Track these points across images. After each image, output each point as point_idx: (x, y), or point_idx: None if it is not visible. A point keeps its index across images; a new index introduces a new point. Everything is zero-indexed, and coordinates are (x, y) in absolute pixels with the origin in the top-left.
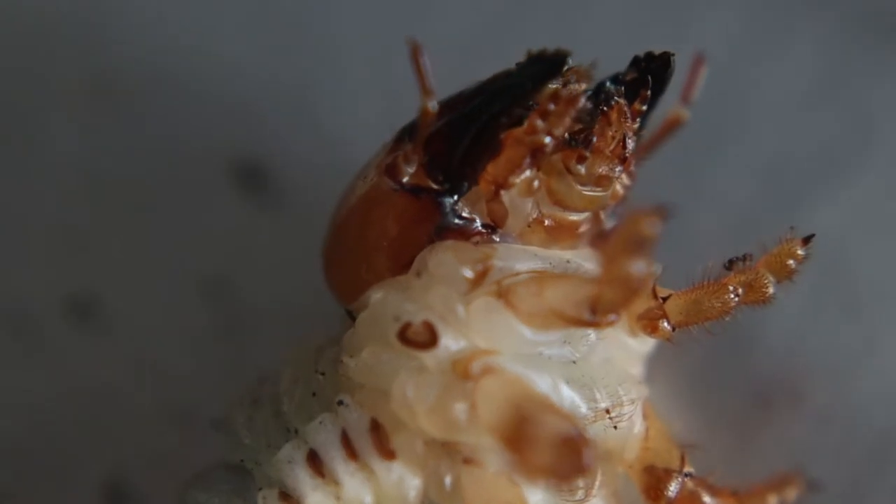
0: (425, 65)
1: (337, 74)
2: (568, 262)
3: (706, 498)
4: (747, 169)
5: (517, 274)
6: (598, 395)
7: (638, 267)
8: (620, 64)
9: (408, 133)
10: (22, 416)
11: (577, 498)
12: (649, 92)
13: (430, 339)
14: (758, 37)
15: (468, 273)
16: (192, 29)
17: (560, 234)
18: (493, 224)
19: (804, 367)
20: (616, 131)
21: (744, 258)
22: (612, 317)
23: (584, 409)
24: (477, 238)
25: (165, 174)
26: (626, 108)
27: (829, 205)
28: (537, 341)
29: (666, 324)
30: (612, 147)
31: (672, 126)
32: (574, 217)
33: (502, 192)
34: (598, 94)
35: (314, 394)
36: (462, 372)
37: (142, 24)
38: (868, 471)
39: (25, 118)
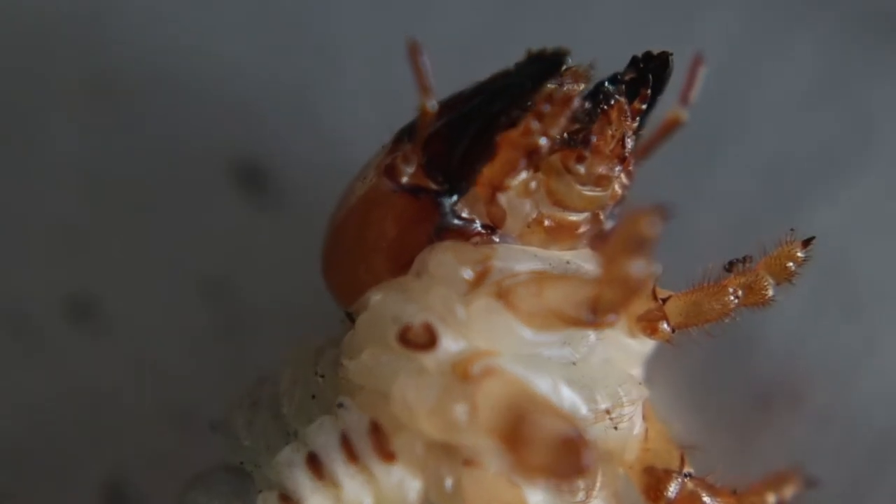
0: (424, 64)
1: (337, 74)
2: (568, 262)
3: (706, 498)
4: (747, 169)
5: (517, 274)
6: (598, 396)
7: (638, 267)
8: (620, 64)
9: (407, 134)
10: (22, 416)
11: (578, 499)
12: (649, 91)
13: (429, 340)
14: (758, 37)
15: (468, 274)
16: (192, 29)
17: (560, 234)
18: (492, 224)
19: (804, 368)
20: (616, 130)
21: (743, 260)
22: (611, 317)
23: (584, 410)
24: (476, 238)
25: (165, 174)
26: (626, 107)
27: (829, 205)
28: (537, 342)
29: (665, 325)
30: (611, 146)
31: (671, 126)
32: (573, 217)
33: (499, 195)
34: (597, 94)
35: (314, 396)
36: (462, 373)
37: (142, 24)
38: (868, 471)
39: (25, 118)
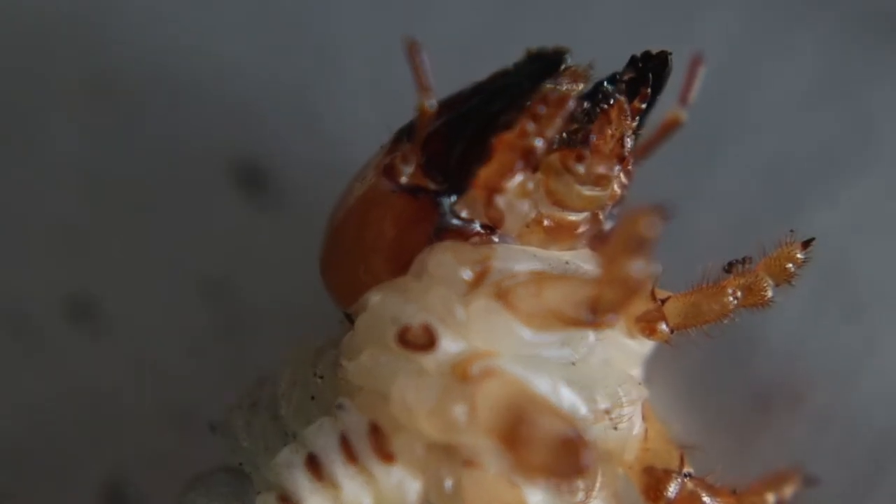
0: (423, 63)
1: (336, 75)
2: (567, 263)
3: (705, 498)
4: (747, 169)
5: (516, 275)
6: (597, 397)
7: (637, 267)
8: (620, 64)
9: (406, 133)
10: (22, 416)
11: (578, 499)
12: (649, 90)
13: (428, 341)
14: (758, 37)
15: (467, 274)
16: (192, 29)
17: (559, 234)
18: (491, 224)
19: (804, 369)
20: (616, 130)
21: (743, 261)
22: (611, 317)
23: (583, 410)
24: (476, 238)
25: (165, 174)
26: (626, 107)
27: (829, 205)
28: (536, 343)
29: (664, 326)
30: (610, 146)
31: (670, 127)
32: (573, 217)
33: (496, 196)
34: (596, 94)
35: (313, 397)
36: (461, 374)
37: (142, 24)
38: (868, 471)
39: (25, 118)
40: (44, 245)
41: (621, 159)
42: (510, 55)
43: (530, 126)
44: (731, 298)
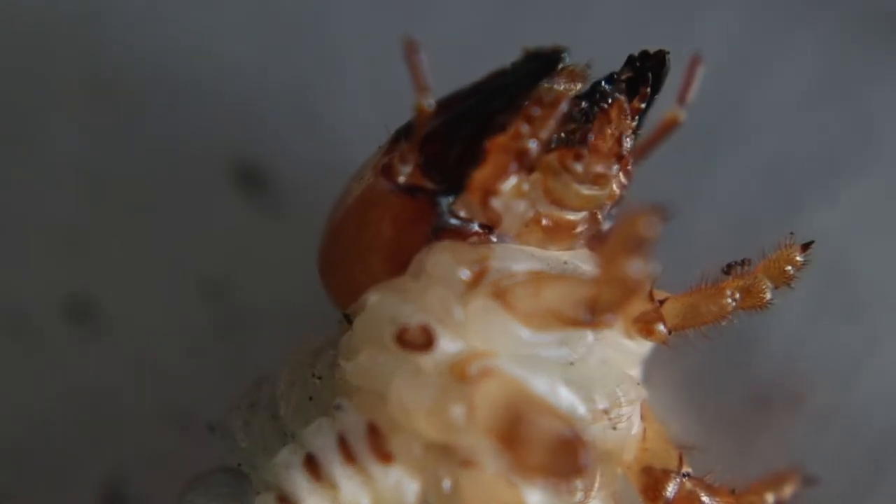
0: (421, 62)
1: (337, 74)
2: (565, 262)
3: (704, 498)
4: (747, 169)
5: (514, 275)
6: (596, 397)
7: (636, 267)
8: (620, 64)
9: (404, 133)
10: (22, 416)
11: (577, 499)
12: (649, 89)
13: (426, 341)
14: (758, 37)
15: (465, 274)
16: (192, 29)
17: (557, 233)
18: (489, 224)
19: (804, 369)
20: (615, 129)
21: (742, 263)
22: (609, 317)
23: (582, 410)
24: (474, 238)
25: (165, 174)
26: (625, 106)
27: (829, 205)
28: (535, 343)
29: (662, 327)
30: (609, 145)
31: (669, 127)
32: (571, 216)
33: (492, 198)
34: (594, 94)
35: (311, 398)
36: (460, 374)
37: (142, 24)
38: (868, 471)
39: (25, 118)
40: (44, 245)
41: (620, 158)
42: (510, 55)
43: (524, 128)
44: (729, 300)
